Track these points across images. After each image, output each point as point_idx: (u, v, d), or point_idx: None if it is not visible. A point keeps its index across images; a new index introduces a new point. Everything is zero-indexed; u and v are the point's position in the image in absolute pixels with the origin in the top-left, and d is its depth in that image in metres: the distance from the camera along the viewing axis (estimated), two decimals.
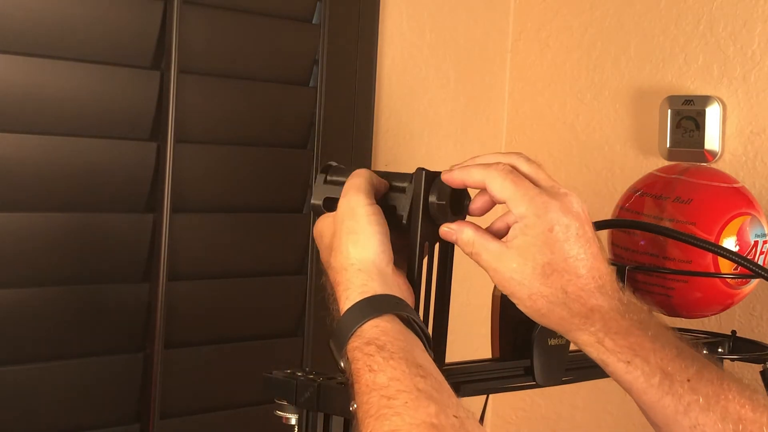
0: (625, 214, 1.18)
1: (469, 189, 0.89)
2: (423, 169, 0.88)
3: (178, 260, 1.31)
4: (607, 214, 1.20)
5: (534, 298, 0.83)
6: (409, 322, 0.82)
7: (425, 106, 1.65)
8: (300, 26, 1.45)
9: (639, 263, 1.14)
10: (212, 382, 1.36)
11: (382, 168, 1.56)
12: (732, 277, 1.13)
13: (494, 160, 0.86)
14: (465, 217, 0.89)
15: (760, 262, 1.15)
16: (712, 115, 1.51)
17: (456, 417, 0.72)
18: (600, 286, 0.82)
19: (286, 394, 0.91)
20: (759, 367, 1.18)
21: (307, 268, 1.45)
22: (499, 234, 0.85)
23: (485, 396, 1.03)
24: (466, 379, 0.94)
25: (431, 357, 0.81)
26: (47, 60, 1.20)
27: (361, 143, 1.53)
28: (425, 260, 0.90)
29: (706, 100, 1.51)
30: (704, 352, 0.85)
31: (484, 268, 0.85)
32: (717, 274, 1.12)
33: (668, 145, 1.54)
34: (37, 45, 1.19)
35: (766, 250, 1.16)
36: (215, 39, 1.35)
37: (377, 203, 0.88)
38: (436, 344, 0.89)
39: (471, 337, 1.25)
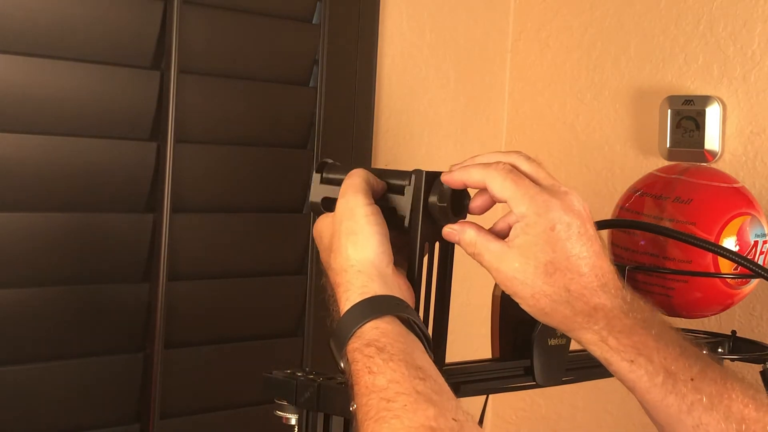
0: (625, 214, 1.18)
1: (469, 189, 0.89)
2: (421, 170, 0.88)
3: (178, 260, 1.31)
4: (607, 214, 1.20)
5: (537, 297, 0.82)
6: (409, 324, 0.82)
7: (425, 106, 1.65)
8: (300, 26, 1.45)
9: (639, 263, 1.14)
10: (212, 382, 1.36)
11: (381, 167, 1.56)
12: (732, 277, 1.13)
13: (494, 159, 0.86)
14: (466, 217, 0.89)
15: (760, 262, 1.15)
16: (712, 115, 1.51)
17: (455, 420, 0.72)
18: (603, 284, 0.82)
19: (286, 394, 0.91)
20: (759, 367, 1.18)
21: (307, 268, 1.45)
22: (501, 234, 0.85)
23: (485, 396, 1.03)
24: (466, 379, 0.94)
25: (431, 358, 0.80)
26: (47, 60, 1.20)
27: (361, 143, 1.53)
28: (425, 260, 0.90)
29: (706, 100, 1.51)
30: (704, 352, 0.85)
31: (487, 268, 0.85)
32: (717, 274, 1.12)
33: (668, 145, 1.54)
34: (37, 45, 1.19)
35: (766, 250, 1.16)
36: (215, 39, 1.35)
37: (376, 203, 0.88)
38: (436, 345, 0.89)
39: (471, 337, 1.25)
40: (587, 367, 1.00)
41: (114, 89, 1.26)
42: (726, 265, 1.12)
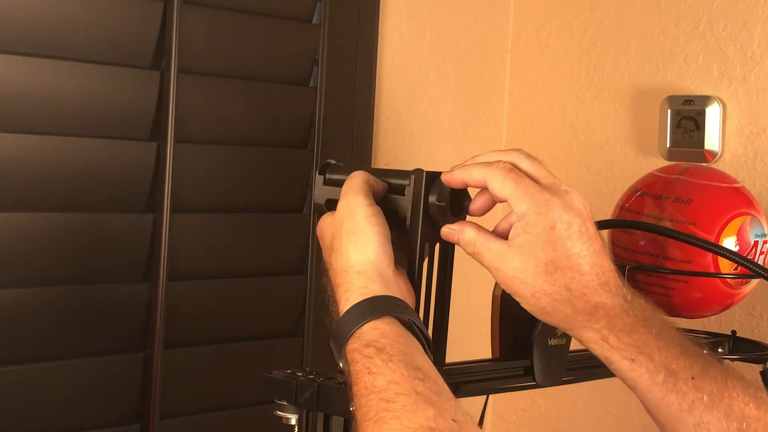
0: (625, 214, 1.18)
1: (469, 189, 0.89)
2: (422, 170, 0.88)
3: (178, 260, 1.31)
4: (607, 214, 1.20)
5: (538, 296, 0.82)
6: (409, 325, 0.82)
7: (425, 106, 1.65)
8: (300, 26, 1.45)
9: (639, 263, 1.14)
10: (212, 382, 1.36)
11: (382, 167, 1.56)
12: (732, 277, 1.13)
13: (495, 158, 0.86)
14: (465, 218, 0.89)
15: (760, 262, 1.15)
16: (712, 115, 1.51)
17: (454, 421, 0.72)
18: (603, 282, 0.82)
19: (286, 394, 0.91)
20: (759, 367, 1.18)
21: (307, 268, 1.45)
22: (503, 235, 0.85)
23: (485, 396, 1.03)
24: (466, 379, 0.94)
25: (431, 359, 0.80)
26: (47, 60, 1.20)
27: (361, 143, 1.53)
28: (425, 261, 0.90)
29: (706, 100, 1.51)
30: (704, 351, 0.85)
31: (487, 268, 0.85)
32: (717, 274, 1.12)
33: (668, 145, 1.54)
34: (37, 45, 1.19)
35: (766, 250, 1.16)
36: (215, 39, 1.35)
37: (378, 204, 0.88)
38: (436, 345, 0.89)
39: (471, 337, 1.25)
40: (587, 367, 1.00)
41: (114, 89, 1.26)
42: (726, 265, 1.12)
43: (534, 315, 0.85)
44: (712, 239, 1.12)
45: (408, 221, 0.89)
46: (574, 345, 0.97)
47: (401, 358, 0.76)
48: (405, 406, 0.72)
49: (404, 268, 0.89)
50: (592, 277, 0.82)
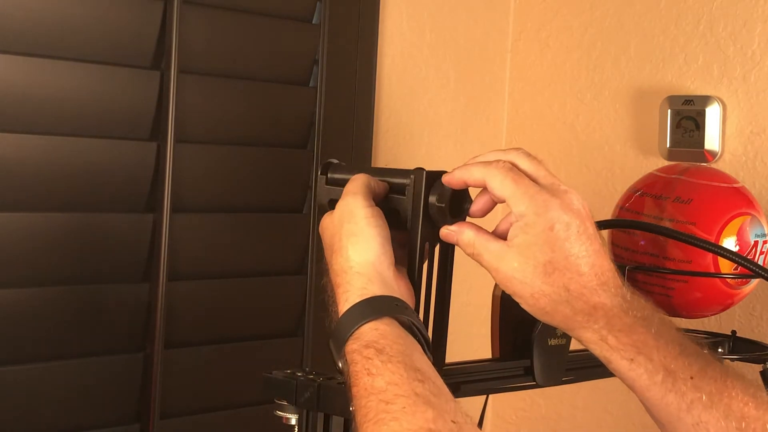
0: (625, 214, 1.18)
1: (470, 190, 0.89)
2: (423, 169, 0.88)
3: (178, 260, 1.31)
4: (607, 214, 1.20)
5: (536, 297, 0.82)
6: (408, 325, 0.82)
7: (425, 106, 1.65)
8: (300, 26, 1.45)
9: (639, 263, 1.14)
10: (212, 382, 1.36)
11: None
12: (732, 277, 1.13)
13: (494, 157, 0.86)
14: (465, 219, 0.89)
15: (760, 262, 1.15)
16: (712, 115, 1.51)
17: (454, 422, 0.72)
18: (602, 283, 0.82)
19: (286, 394, 0.91)
20: (759, 367, 1.18)
21: (307, 268, 1.45)
22: (503, 235, 0.85)
23: (485, 396, 1.03)
24: (466, 379, 0.94)
25: (430, 360, 0.80)
26: (47, 60, 1.20)
27: (361, 143, 1.53)
28: (426, 261, 0.90)
29: (706, 100, 1.51)
30: (704, 350, 0.85)
31: (486, 268, 0.85)
32: (717, 274, 1.12)
33: (668, 145, 1.54)
34: (37, 45, 1.19)
35: (766, 250, 1.16)
36: (215, 39, 1.35)
37: (378, 205, 0.88)
38: (436, 345, 0.89)
39: (471, 337, 1.25)
40: (587, 367, 1.00)
41: (114, 89, 1.26)
42: (726, 265, 1.12)
43: (533, 315, 0.85)
44: (712, 239, 1.12)
45: (409, 221, 0.89)
46: (574, 345, 0.97)
47: (400, 360, 0.76)
48: (404, 407, 0.72)
49: (405, 268, 0.89)
50: (590, 278, 0.82)
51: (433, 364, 0.81)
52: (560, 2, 1.71)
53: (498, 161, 0.84)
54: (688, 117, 1.52)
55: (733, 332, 1.23)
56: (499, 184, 0.83)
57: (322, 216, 0.94)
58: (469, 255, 0.86)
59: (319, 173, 0.97)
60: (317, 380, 0.90)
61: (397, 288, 0.85)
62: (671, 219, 1.14)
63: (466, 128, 1.72)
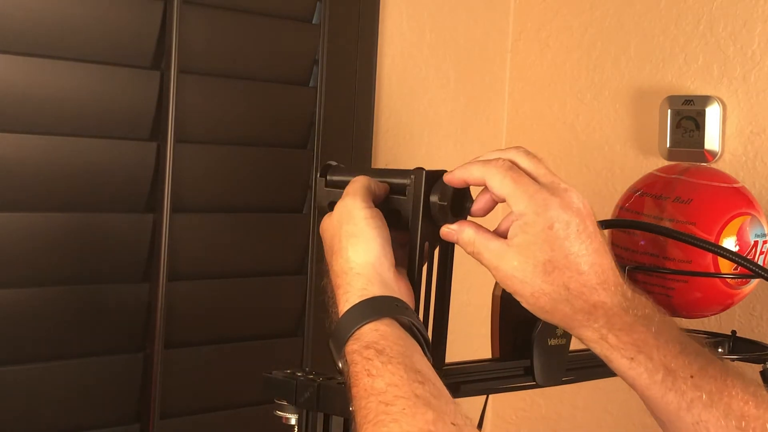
0: (625, 214, 1.18)
1: (471, 191, 0.89)
2: (422, 169, 0.88)
3: (178, 260, 1.31)
4: (607, 214, 1.20)
5: (536, 296, 0.82)
6: (409, 326, 0.82)
7: (425, 106, 1.65)
8: (300, 26, 1.45)
9: (639, 263, 1.14)
10: (212, 382, 1.36)
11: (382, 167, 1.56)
12: (732, 277, 1.13)
13: (495, 156, 0.86)
14: (466, 218, 0.89)
15: (760, 262, 1.15)
16: (712, 115, 1.51)
17: (454, 424, 0.72)
18: (602, 281, 0.82)
19: (286, 394, 0.91)
20: (759, 367, 1.18)
21: (307, 268, 1.45)
22: (503, 234, 0.85)
23: (485, 396, 1.03)
24: (465, 379, 0.94)
25: (430, 361, 0.80)
26: (47, 60, 1.20)
27: (361, 143, 1.53)
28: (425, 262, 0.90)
29: (706, 100, 1.51)
30: (704, 349, 0.85)
31: (487, 267, 0.85)
32: (717, 274, 1.12)
33: (668, 145, 1.54)
34: (37, 45, 1.19)
35: (766, 250, 1.16)
36: (215, 39, 1.35)
37: (379, 206, 0.88)
38: (435, 345, 0.89)
39: (471, 337, 1.25)
40: (587, 367, 1.00)
41: (114, 89, 1.26)
42: (726, 265, 1.12)
43: (534, 314, 0.84)
44: (712, 239, 1.12)
45: (409, 221, 0.89)
46: (574, 345, 0.97)
47: (401, 361, 0.76)
48: (404, 409, 0.72)
49: (405, 269, 0.89)
50: (590, 276, 0.82)
51: (433, 364, 0.81)
52: (560, 2, 1.71)
53: (498, 159, 0.84)
54: (688, 117, 1.52)
55: (733, 332, 1.23)
56: (499, 183, 0.83)
57: (321, 218, 0.94)
58: (469, 253, 0.86)
59: (318, 175, 0.97)
60: (317, 380, 0.90)
61: (398, 289, 0.85)
62: (671, 219, 1.14)
63: (466, 128, 1.72)
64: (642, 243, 1.14)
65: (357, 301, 0.82)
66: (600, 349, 0.84)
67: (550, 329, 0.97)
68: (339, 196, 0.90)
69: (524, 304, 0.84)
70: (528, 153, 0.86)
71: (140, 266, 1.29)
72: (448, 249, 0.91)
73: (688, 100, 1.53)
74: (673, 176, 1.18)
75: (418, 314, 0.87)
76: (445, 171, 0.88)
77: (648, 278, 1.14)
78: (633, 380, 0.83)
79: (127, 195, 1.28)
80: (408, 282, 0.88)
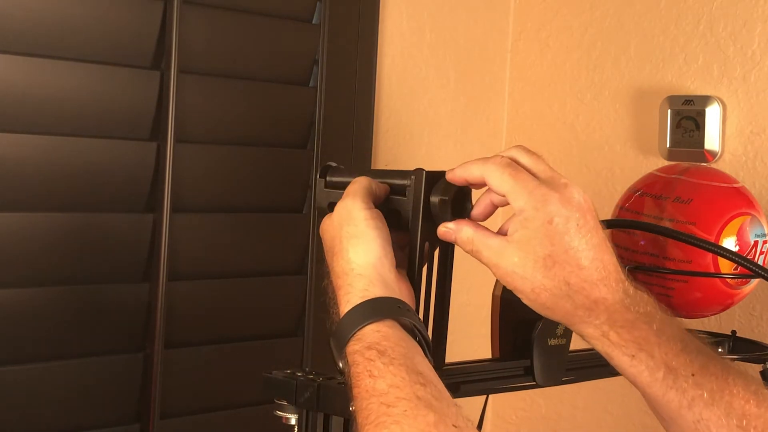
0: (625, 214, 1.18)
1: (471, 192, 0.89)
2: (422, 169, 0.88)
3: (178, 260, 1.31)
4: (607, 214, 1.20)
5: (537, 292, 0.82)
6: (410, 328, 0.82)
7: (425, 106, 1.65)
8: (300, 26, 1.45)
9: (639, 263, 1.14)
10: (212, 382, 1.36)
11: (382, 168, 1.56)
12: (732, 277, 1.13)
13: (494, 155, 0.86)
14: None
15: (760, 262, 1.15)
16: (712, 115, 1.51)
17: (455, 426, 0.71)
18: (603, 277, 0.82)
19: (286, 394, 0.91)
20: (759, 367, 1.18)
21: (307, 269, 1.45)
22: (503, 233, 0.84)
23: (485, 396, 1.03)
24: (466, 379, 0.94)
25: (431, 363, 0.80)
26: (47, 60, 1.20)
27: (361, 143, 1.53)
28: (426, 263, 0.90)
29: (706, 100, 1.51)
30: (706, 348, 0.85)
31: (486, 265, 0.84)
32: (717, 274, 1.12)
33: (668, 145, 1.54)
34: (37, 45, 1.19)
35: (766, 250, 1.16)
36: (215, 39, 1.35)
37: (379, 207, 0.88)
38: (435, 345, 0.89)
39: (471, 337, 1.25)
40: (587, 367, 1.00)
41: (114, 89, 1.26)
42: (726, 265, 1.12)
43: (534, 310, 0.84)
44: (712, 239, 1.12)
45: (409, 221, 0.89)
46: (574, 345, 0.97)
47: (402, 362, 0.76)
48: (406, 410, 0.72)
49: (405, 269, 0.89)
50: (591, 272, 0.81)
51: (434, 365, 0.81)
52: (560, 2, 1.71)
53: (497, 157, 0.84)
54: (688, 117, 1.52)
55: (733, 332, 1.23)
56: (498, 179, 0.83)
57: (321, 219, 0.94)
58: (468, 252, 0.86)
59: (317, 176, 0.97)
60: (317, 380, 0.90)
61: (398, 290, 0.85)
62: (671, 219, 1.14)
63: (466, 128, 1.72)
64: (642, 243, 1.14)
65: (358, 302, 0.82)
66: (601, 346, 0.83)
67: (550, 329, 0.97)
68: (339, 197, 0.90)
69: (525, 301, 0.84)
70: (527, 150, 0.85)
71: (140, 266, 1.29)
72: (448, 249, 0.91)
73: (688, 100, 1.53)
74: (673, 176, 1.18)
75: (418, 314, 0.87)
76: (445, 172, 0.88)
77: (648, 278, 1.14)
78: (634, 378, 0.83)
79: (127, 195, 1.28)
80: (408, 283, 0.88)
